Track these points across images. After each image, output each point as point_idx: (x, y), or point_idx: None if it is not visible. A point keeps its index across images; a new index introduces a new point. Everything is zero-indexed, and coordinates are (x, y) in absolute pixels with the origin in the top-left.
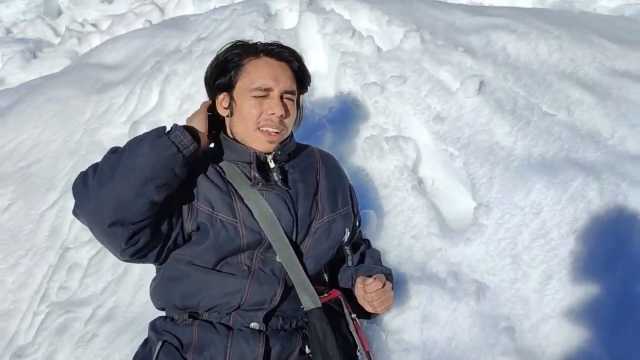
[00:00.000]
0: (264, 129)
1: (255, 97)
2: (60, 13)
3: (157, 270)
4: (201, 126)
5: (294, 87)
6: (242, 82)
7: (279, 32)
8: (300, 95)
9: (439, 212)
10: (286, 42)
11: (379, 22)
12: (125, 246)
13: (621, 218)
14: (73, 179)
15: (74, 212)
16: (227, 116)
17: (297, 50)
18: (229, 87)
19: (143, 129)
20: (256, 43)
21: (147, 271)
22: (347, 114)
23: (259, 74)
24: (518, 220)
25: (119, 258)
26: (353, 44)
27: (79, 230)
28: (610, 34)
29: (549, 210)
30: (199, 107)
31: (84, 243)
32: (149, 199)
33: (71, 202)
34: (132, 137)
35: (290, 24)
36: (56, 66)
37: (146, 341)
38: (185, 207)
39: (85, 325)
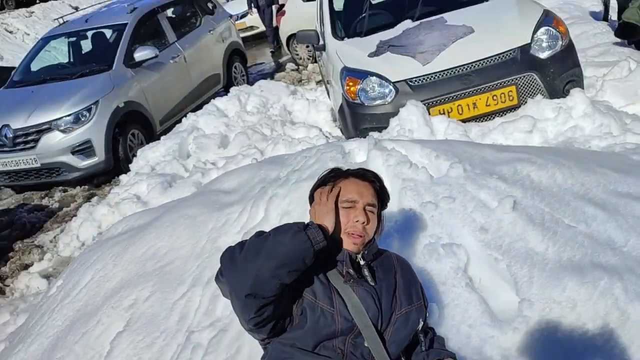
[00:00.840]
0: (350, 232)
1: (344, 207)
2: (189, 155)
3: (265, 351)
4: (331, 226)
5: (375, 202)
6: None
7: (352, 165)
8: (382, 211)
9: (487, 305)
10: None
11: (429, 157)
12: (254, 315)
13: None
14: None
15: (217, 279)
16: None
17: (378, 175)
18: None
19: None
20: (348, 169)
21: (255, 351)
22: (409, 225)
23: (347, 190)
24: (557, 313)
25: (242, 325)
26: (411, 172)
27: (202, 316)
28: (608, 165)
29: (583, 306)
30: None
31: (205, 327)
32: (281, 280)
33: (197, 294)
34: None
35: (361, 159)
36: (185, 193)
37: None
38: (298, 292)
39: None
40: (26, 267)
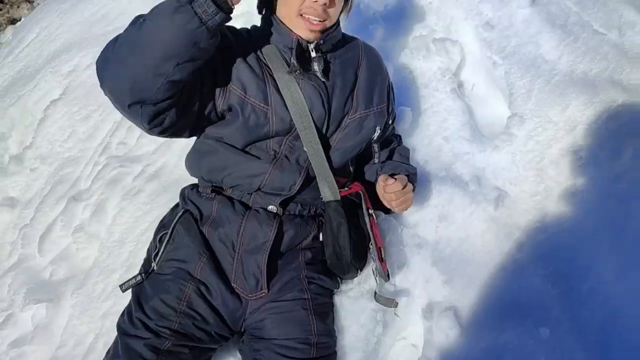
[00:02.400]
0: (306, 15)
1: None
2: None
3: (193, 144)
4: None
5: None
6: None
7: None
8: None
9: (473, 116)
10: None
11: None
12: (149, 126)
13: None
14: None
15: (100, 86)
16: (270, 9)
17: None
18: None
19: None
20: None
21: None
22: (400, 12)
23: None
24: (550, 135)
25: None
26: None
27: None
28: None
29: (584, 129)
30: None
31: None
32: (169, 78)
33: None
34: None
35: None
36: None
37: (176, 206)
38: (217, 85)
39: (134, 180)
40: (14, 21)
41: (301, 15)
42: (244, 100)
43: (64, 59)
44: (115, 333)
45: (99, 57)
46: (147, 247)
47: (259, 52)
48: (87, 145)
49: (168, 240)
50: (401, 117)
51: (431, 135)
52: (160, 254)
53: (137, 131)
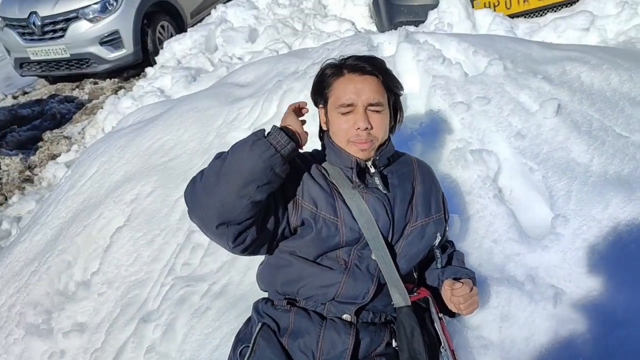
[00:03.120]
0: (354, 141)
1: (342, 113)
2: (216, 49)
3: (264, 259)
4: (294, 124)
5: (378, 98)
6: (331, 100)
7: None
8: (395, 102)
9: (516, 219)
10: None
11: (465, 53)
12: (233, 245)
13: None
14: None
15: (189, 215)
16: (327, 129)
17: (381, 60)
18: (324, 104)
19: None
20: (344, 61)
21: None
22: (436, 128)
23: (342, 91)
24: (595, 232)
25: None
26: (443, 68)
27: None
28: None
29: (627, 225)
30: None
31: None
32: (251, 199)
33: None
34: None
35: (389, 52)
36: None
37: (249, 320)
38: (290, 203)
39: (201, 299)
40: (54, 157)
41: (349, 141)
42: (315, 214)
43: (125, 189)
44: None
45: (186, 191)
46: None
47: (324, 171)
48: (152, 267)
49: (250, 354)
50: (450, 224)
51: (480, 238)
52: None
53: (200, 252)
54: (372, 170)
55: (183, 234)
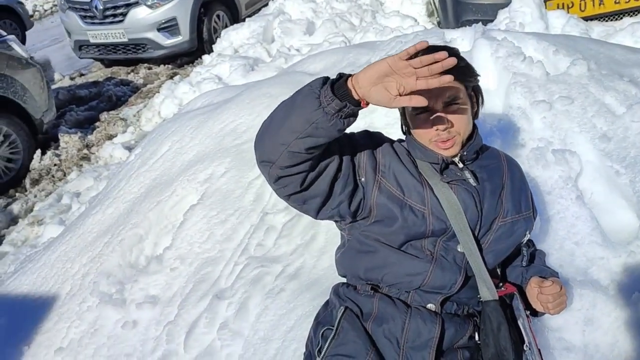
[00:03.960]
0: (436, 141)
1: (417, 114)
2: (273, 40)
3: (344, 240)
4: (366, 79)
5: (454, 93)
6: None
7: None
8: (473, 90)
9: (599, 223)
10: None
11: (545, 52)
12: (275, 186)
13: None
14: None
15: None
16: (409, 133)
17: (453, 50)
18: (403, 110)
19: None
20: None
21: (330, 239)
22: (515, 126)
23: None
24: None
25: None
26: (524, 66)
27: (278, 199)
28: None
29: None
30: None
31: (280, 210)
32: (289, 148)
33: None
34: None
35: (463, 49)
36: (267, 76)
37: (327, 303)
38: (369, 180)
39: (275, 280)
40: (110, 137)
41: (432, 142)
42: (402, 201)
43: (199, 168)
44: None
45: None
46: (293, 344)
47: (413, 160)
48: (226, 246)
49: (334, 336)
50: None
51: (561, 240)
52: (325, 349)
53: (274, 234)
54: (460, 165)
55: (257, 215)
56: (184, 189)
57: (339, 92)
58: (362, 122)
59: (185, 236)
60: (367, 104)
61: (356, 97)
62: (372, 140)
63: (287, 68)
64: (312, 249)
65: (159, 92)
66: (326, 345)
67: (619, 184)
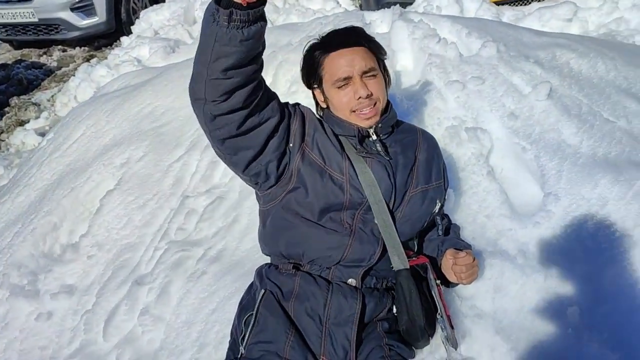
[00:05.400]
0: (358, 111)
1: (339, 87)
2: (195, 22)
3: (264, 219)
4: None
5: (371, 64)
6: (326, 78)
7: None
8: (383, 65)
9: (508, 197)
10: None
11: (459, 34)
12: (211, 126)
13: None
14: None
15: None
16: (327, 107)
17: (360, 29)
18: (319, 84)
19: None
20: (327, 38)
21: (253, 221)
22: (431, 105)
23: (335, 67)
24: (584, 210)
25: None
26: (439, 48)
27: (198, 182)
28: None
29: (614, 204)
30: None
31: (201, 193)
32: (209, 77)
33: (194, 158)
34: None
35: (383, 30)
36: (188, 58)
37: (250, 286)
38: (295, 146)
39: (196, 263)
40: (22, 123)
41: (353, 112)
42: (323, 168)
43: (115, 153)
44: None
45: None
46: (216, 327)
47: (337, 136)
48: (145, 231)
49: (253, 323)
50: (447, 198)
51: (474, 213)
52: (247, 337)
53: (195, 217)
54: (374, 137)
55: (177, 199)
56: (100, 174)
57: (224, 2)
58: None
59: (102, 222)
60: (247, 1)
61: (238, 0)
62: (305, 112)
63: None
64: (234, 231)
65: (74, 75)
66: (247, 333)
67: (525, 160)
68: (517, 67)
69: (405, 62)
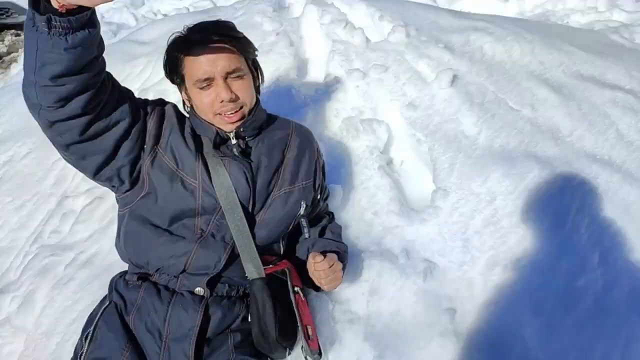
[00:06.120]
0: (223, 114)
1: (200, 88)
2: (142, 4)
3: (119, 223)
4: None
5: (236, 64)
6: (187, 77)
7: (282, 20)
8: (252, 62)
9: (402, 191)
10: (289, 30)
11: (372, 17)
12: (50, 133)
13: (571, 212)
14: None
15: None
16: (192, 107)
17: (226, 23)
18: (181, 82)
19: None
20: (189, 33)
21: None
22: (330, 95)
23: (196, 66)
24: (472, 206)
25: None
26: (344, 34)
27: (80, 181)
28: (579, 43)
29: (503, 199)
30: None
31: (81, 193)
32: (38, 84)
33: None
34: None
35: (297, 14)
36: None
37: (105, 298)
38: (147, 148)
39: (65, 269)
40: None
41: (217, 114)
42: (174, 172)
43: (0, 150)
44: None
45: None
46: (75, 337)
47: (198, 137)
48: (19, 235)
49: (91, 339)
50: (333, 195)
51: (362, 210)
52: (85, 353)
53: (72, 218)
54: (234, 141)
55: (56, 199)
56: None
57: (42, 6)
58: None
59: None
60: (67, 7)
61: (55, 6)
62: (166, 110)
63: (124, 37)
64: (111, 233)
65: (16, 62)
66: (85, 349)
67: (421, 152)
68: (425, 53)
69: (315, 50)
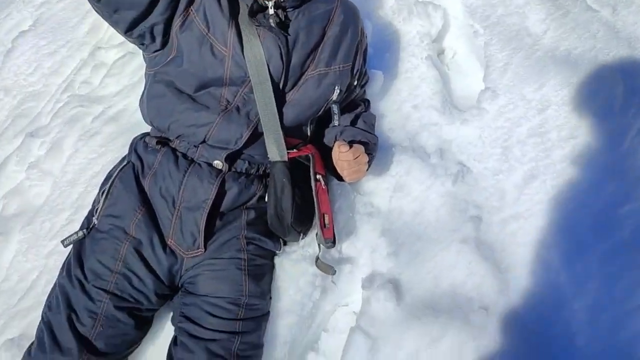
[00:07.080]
0: None
1: None
2: None
3: (146, 83)
4: None
5: None
6: None
7: None
8: None
9: (448, 87)
10: None
11: None
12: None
13: (630, 133)
14: None
15: None
16: None
17: None
18: None
19: None
20: None
21: None
22: None
23: None
24: (520, 113)
25: None
26: None
27: (114, 33)
28: None
29: (556, 110)
30: None
31: (114, 45)
32: None
33: None
34: None
35: None
36: None
37: (124, 157)
38: (181, 8)
39: (92, 121)
40: None
41: None
42: (204, 36)
43: None
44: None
45: None
46: (96, 190)
47: (236, 1)
48: (51, 80)
49: (106, 196)
50: (372, 81)
51: (401, 101)
52: (100, 208)
53: (103, 70)
54: (272, 11)
55: (88, 49)
56: (20, 12)
57: None
58: None
59: (12, 66)
60: None
61: None
62: None
63: None
64: (139, 91)
65: None
66: (101, 204)
67: (475, 45)
68: None
69: None
